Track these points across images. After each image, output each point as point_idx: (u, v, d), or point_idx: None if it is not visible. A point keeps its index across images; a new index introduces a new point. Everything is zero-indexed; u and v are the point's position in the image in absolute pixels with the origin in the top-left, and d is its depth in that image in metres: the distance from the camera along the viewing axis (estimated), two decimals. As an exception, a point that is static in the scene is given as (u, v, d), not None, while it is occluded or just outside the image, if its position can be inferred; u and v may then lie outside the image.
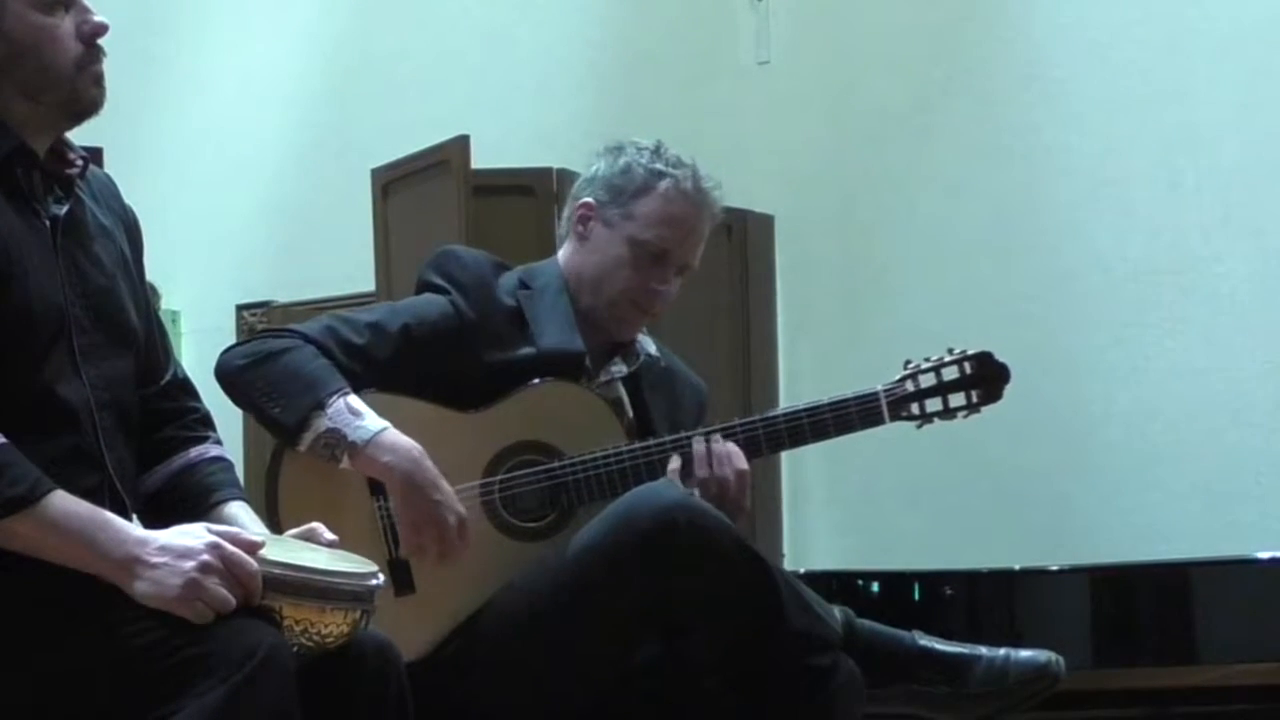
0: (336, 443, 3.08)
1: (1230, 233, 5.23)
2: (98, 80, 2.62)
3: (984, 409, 3.30)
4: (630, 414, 3.37)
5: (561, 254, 3.41)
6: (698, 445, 3.21)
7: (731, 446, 3.22)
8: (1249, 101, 5.22)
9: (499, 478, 3.20)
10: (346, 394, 3.11)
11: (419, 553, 3.13)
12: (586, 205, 3.36)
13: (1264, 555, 4.32)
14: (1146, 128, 5.36)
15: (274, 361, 3.15)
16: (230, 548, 2.44)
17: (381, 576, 2.59)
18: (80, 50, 2.59)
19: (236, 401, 3.23)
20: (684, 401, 3.43)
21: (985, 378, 3.28)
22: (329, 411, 3.08)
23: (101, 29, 2.62)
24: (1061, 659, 3.25)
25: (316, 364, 3.14)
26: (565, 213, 3.43)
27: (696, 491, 3.18)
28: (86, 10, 2.62)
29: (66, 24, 2.59)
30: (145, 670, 2.39)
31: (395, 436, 3.09)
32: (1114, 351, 5.39)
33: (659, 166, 3.33)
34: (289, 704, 2.39)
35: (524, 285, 3.33)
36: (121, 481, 2.62)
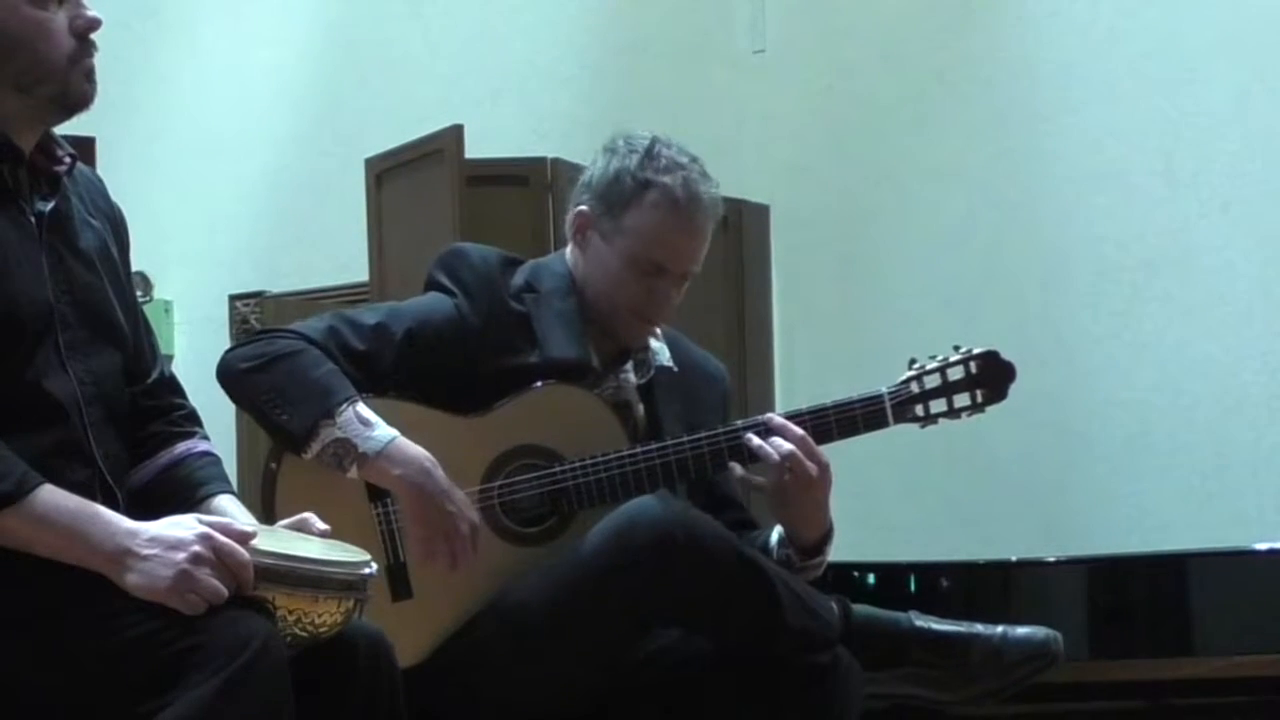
0: (346, 453, 3.05)
1: (1229, 222, 5.22)
2: (89, 75, 2.62)
3: (989, 408, 3.27)
4: (641, 415, 3.31)
5: (568, 254, 3.34)
6: (751, 440, 3.16)
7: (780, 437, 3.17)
8: (1248, 90, 5.22)
9: (498, 483, 3.17)
10: (355, 402, 3.07)
11: (429, 562, 3.09)
12: (581, 215, 3.29)
13: (1262, 547, 4.32)
14: (1145, 116, 5.36)
15: (279, 366, 3.11)
16: (221, 538, 2.44)
17: (374, 565, 2.60)
18: (73, 45, 2.59)
19: (240, 405, 3.20)
20: (703, 401, 3.37)
21: (991, 377, 3.24)
22: (339, 421, 3.04)
23: (94, 24, 2.62)
24: (1060, 636, 3.23)
25: (323, 370, 3.10)
26: (568, 215, 3.36)
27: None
28: (79, 5, 2.62)
29: (59, 18, 2.59)
30: (138, 662, 2.39)
31: (406, 447, 3.06)
32: (1112, 341, 5.39)
33: (648, 175, 3.22)
34: (282, 695, 2.39)
35: (530, 288, 3.27)
36: (113, 475, 2.61)
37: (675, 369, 3.35)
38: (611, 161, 3.27)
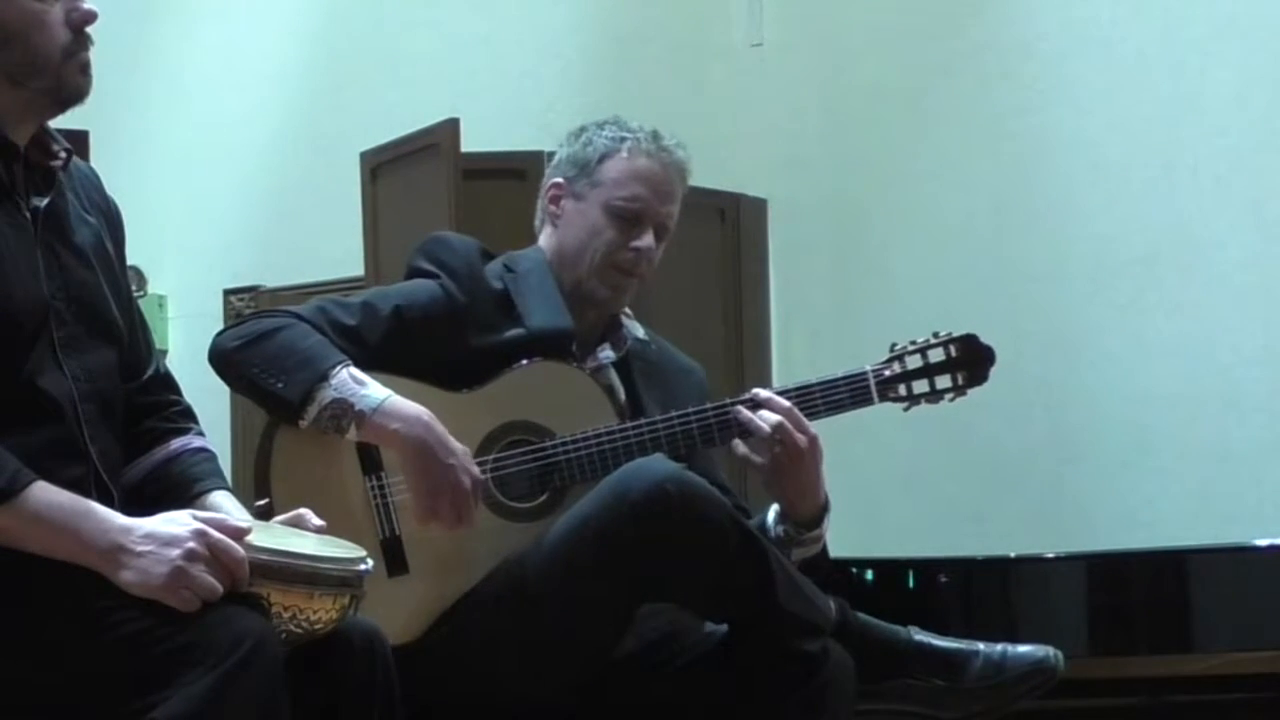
0: (343, 413, 3.06)
1: (1229, 214, 5.22)
2: (85, 68, 2.62)
3: (970, 391, 3.30)
4: (623, 398, 3.35)
5: (541, 240, 3.42)
6: (740, 413, 3.20)
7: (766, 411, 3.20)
8: (1249, 81, 5.21)
9: (491, 458, 3.18)
10: (348, 365, 3.09)
11: (432, 520, 3.09)
12: (555, 185, 3.39)
13: (1262, 543, 4.31)
14: (1145, 108, 5.35)
15: (270, 339, 3.13)
16: (216, 534, 2.43)
17: (370, 562, 2.59)
18: (69, 37, 2.59)
19: (232, 383, 3.21)
20: (680, 390, 3.40)
21: (970, 360, 3.28)
22: (333, 382, 3.06)
23: (90, 17, 2.62)
24: (1060, 653, 3.24)
25: (313, 339, 3.13)
26: (539, 203, 3.45)
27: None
28: None
29: (55, 11, 2.59)
30: (133, 659, 2.38)
31: (402, 402, 3.07)
32: (1111, 335, 5.38)
33: (620, 134, 3.36)
34: (277, 692, 2.38)
35: (508, 269, 3.33)
36: (107, 472, 2.61)
37: (651, 345, 3.41)
38: (580, 138, 3.41)
